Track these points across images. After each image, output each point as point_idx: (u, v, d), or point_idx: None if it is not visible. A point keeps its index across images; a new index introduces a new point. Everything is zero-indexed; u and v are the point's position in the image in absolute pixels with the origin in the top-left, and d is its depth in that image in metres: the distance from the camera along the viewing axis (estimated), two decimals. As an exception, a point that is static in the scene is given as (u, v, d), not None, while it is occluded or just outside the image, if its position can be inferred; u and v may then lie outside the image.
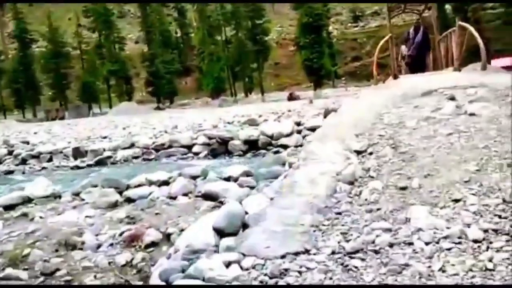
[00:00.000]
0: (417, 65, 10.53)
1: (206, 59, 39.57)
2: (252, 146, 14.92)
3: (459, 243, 2.70)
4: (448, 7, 43.91)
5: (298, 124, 15.73)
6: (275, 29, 66.65)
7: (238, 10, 43.99)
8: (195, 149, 15.60)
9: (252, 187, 5.77)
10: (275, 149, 14.57)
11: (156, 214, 6.00)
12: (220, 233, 3.34)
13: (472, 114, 4.74)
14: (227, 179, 7.14)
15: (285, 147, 14.58)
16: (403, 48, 10.58)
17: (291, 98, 36.85)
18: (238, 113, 25.50)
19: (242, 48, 42.55)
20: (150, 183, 7.36)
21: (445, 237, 2.76)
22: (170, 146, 15.94)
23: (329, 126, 5.50)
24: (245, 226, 3.41)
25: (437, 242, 2.75)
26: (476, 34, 7.29)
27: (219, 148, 15.39)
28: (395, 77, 8.68)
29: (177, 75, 53.82)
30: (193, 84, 59.37)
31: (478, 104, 4.92)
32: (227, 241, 3.21)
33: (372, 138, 4.77)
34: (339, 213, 3.41)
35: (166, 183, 7.32)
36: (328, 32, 52.16)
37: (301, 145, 14.49)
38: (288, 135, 14.80)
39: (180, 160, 15.27)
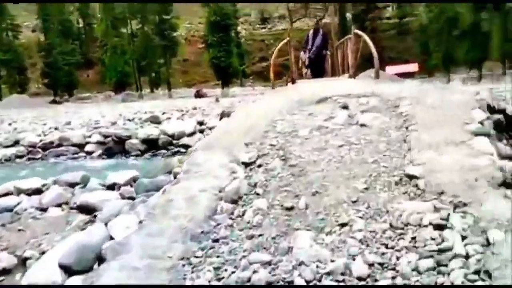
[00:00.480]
0: (316, 69, 10.46)
1: (109, 52, 37.24)
2: (151, 145, 14.07)
3: (343, 280, 2.35)
4: (348, 15, 46.06)
5: (201, 123, 15.19)
6: (184, 25, 65.16)
7: (145, 4, 42.13)
8: (88, 148, 14.37)
9: (133, 198, 5.08)
10: (176, 149, 13.89)
11: (19, 230, 5.08)
12: (68, 270, 2.69)
13: (363, 125, 4.55)
14: (111, 186, 6.36)
15: (186, 147, 13.95)
16: (302, 53, 10.44)
17: (198, 95, 36.13)
18: (141, 109, 24.22)
19: (148, 42, 40.77)
20: (19, 191, 6.33)
21: (328, 273, 2.40)
22: (59, 145, 14.53)
23: (219, 132, 5.02)
24: (101, 259, 2.79)
25: (319, 280, 2.38)
26: (369, 42, 7.30)
27: (115, 147, 14.33)
28: (293, 81, 8.48)
29: (77, 67, 50.18)
30: (95, 77, 55.85)
31: (370, 114, 4.76)
32: (75, 281, 2.57)
33: (263, 148, 4.38)
34: (216, 240, 2.93)
35: (38, 191, 6.33)
36: (236, 32, 52.13)
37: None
38: (190, 135, 14.20)
39: (70, 160, 13.95)
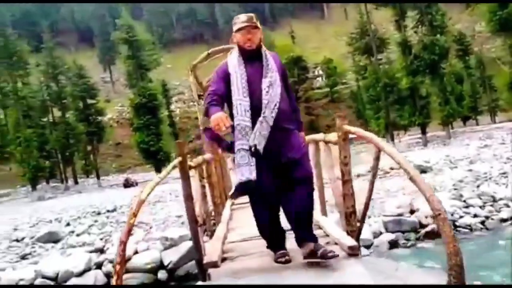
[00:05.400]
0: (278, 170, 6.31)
1: (22, 145, 31.75)
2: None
3: None
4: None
5: (101, 251, 10.43)
6: (116, 108, 61.03)
7: (64, 90, 37.61)
8: None
9: None
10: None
11: None
12: None
13: None
14: None
15: (75, 294, 9.13)
16: (214, 115, 6.27)
17: (127, 184, 31.12)
18: (41, 216, 18.92)
19: (70, 130, 35.79)
20: None
21: None
22: None
23: None
24: None
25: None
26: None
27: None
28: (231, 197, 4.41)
29: (-4, 161, 43.70)
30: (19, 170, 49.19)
31: None
32: None
33: None
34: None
35: None
36: (170, 111, 48.56)
37: (100, 288, 9.17)
38: (81, 274, 9.38)
39: None
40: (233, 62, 3.10)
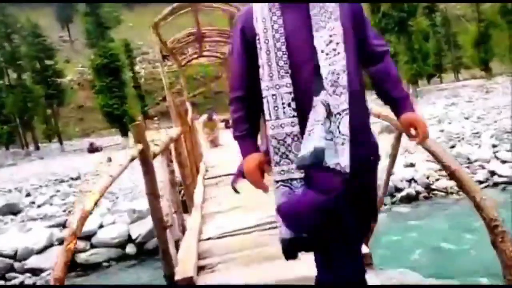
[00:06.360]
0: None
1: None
2: (-23, 277, 8.39)
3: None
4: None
5: (64, 225, 9.71)
6: (77, 69, 57.99)
7: (19, 50, 35.00)
8: None
9: None
10: (19, 279, 8.36)
11: None
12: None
13: None
14: None
15: (36, 272, 8.53)
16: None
17: (92, 149, 29.87)
18: (0, 185, 17.85)
19: (27, 93, 33.63)
20: None
21: None
22: None
23: None
24: None
25: None
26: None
27: None
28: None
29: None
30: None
31: None
32: None
33: None
34: None
35: None
36: (134, 72, 46.46)
37: (74, 265, 8.55)
38: (41, 251, 8.72)
39: None
40: (263, 12, 1.56)
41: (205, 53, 11.60)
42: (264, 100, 1.53)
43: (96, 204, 1.68)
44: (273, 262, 2.48)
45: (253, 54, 1.55)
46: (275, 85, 1.51)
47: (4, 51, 36.01)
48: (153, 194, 2.67)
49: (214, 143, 12.25)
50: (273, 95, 1.51)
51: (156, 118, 44.74)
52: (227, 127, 16.54)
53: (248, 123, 1.62)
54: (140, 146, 2.63)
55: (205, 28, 8.87)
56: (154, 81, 52.15)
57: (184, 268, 2.59)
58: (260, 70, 1.53)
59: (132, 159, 2.37)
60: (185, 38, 8.86)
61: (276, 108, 1.51)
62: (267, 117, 1.53)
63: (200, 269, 2.67)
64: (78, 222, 1.51)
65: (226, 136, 13.90)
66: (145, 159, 2.68)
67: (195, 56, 11.39)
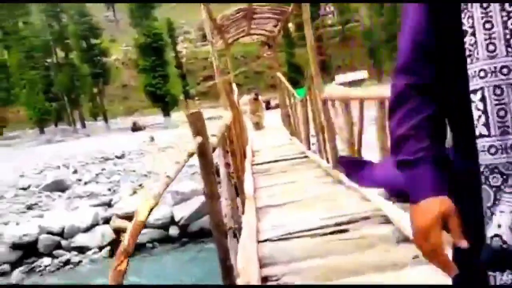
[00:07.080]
0: None
1: (26, 87, 30.57)
2: (27, 252, 8.55)
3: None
4: (291, 25, 41.95)
5: (109, 204, 9.72)
6: (121, 48, 58.87)
7: (66, 29, 35.71)
8: None
9: None
10: (66, 257, 8.43)
11: None
12: None
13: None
14: None
15: (82, 250, 8.59)
16: None
17: (135, 128, 30.30)
18: (49, 161, 18.33)
19: (75, 72, 34.41)
20: None
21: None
22: None
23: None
24: None
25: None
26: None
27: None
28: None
29: (4, 103, 42.75)
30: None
31: None
32: None
33: None
34: None
35: None
36: (176, 52, 46.62)
37: (109, 245, 8.57)
38: (87, 230, 8.75)
39: None
40: None
41: (251, 31, 11.14)
42: (473, 97, 0.79)
43: (151, 211, 1.34)
44: (351, 279, 2.07)
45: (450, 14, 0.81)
46: (500, 68, 0.76)
47: (53, 30, 36.92)
48: (213, 195, 2.29)
49: (258, 125, 11.88)
50: (496, 87, 0.77)
51: (197, 98, 44.91)
52: (268, 108, 16.17)
53: (430, 137, 0.86)
54: (199, 139, 2.22)
55: (257, 4, 8.43)
56: (196, 60, 52.18)
57: (247, 280, 2.23)
58: (467, 41, 0.79)
59: (191, 155, 1.97)
60: (235, 15, 8.45)
61: (502, 113, 0.76)
62: (477, 130, 0.79)
63: (263, 280, 2.31)
64: (130, 238, 1.16)
65: (268, 118, 13.54)
66: (206, 156, 2.28)
67: (243, 34, 10.95)
